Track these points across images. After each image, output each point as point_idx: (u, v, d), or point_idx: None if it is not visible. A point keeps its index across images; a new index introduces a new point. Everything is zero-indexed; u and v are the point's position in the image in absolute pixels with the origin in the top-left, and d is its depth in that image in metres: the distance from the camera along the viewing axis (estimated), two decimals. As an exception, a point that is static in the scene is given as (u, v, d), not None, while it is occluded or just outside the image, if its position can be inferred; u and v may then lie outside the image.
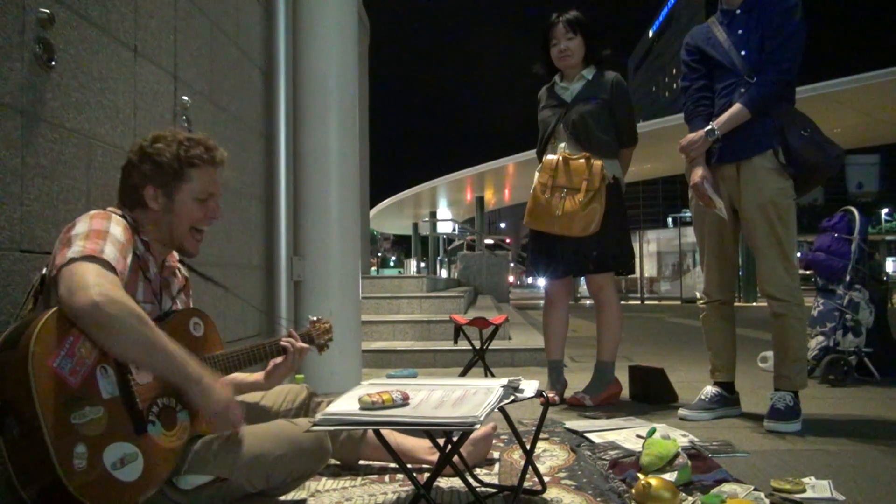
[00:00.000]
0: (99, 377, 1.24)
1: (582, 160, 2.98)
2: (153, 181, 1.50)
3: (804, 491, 1.72)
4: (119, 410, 1.25)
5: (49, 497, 1.15)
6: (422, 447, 1.94)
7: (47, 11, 1.46)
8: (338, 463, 1.96)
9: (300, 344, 1.79)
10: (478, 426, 1.37)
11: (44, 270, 1.38)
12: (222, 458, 1.38)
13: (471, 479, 1.74)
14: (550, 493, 1.74)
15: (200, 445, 1.40)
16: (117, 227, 1.40)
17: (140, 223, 1.51)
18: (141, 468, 1.25)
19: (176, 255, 1.68)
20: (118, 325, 1.23)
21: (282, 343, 1.76)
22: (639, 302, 17.10)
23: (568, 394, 3.15)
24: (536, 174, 3.10)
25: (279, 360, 1.77)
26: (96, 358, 1.24)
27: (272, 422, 1.57)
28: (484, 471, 1.97)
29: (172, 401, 1.37)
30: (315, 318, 1.90)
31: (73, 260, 1.27)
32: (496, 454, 2.14)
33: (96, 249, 1.30)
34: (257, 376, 1.80)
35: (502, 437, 2.34)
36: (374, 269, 33.60)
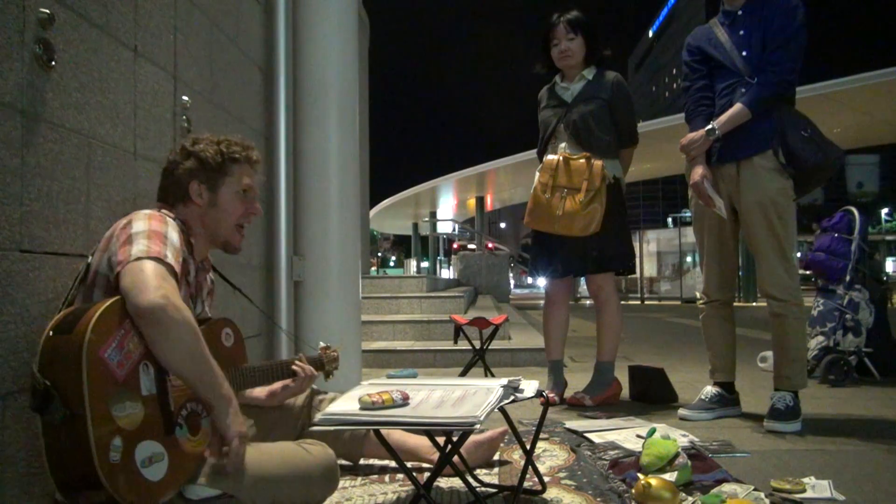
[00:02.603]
0: (141, 373, 1.26)
1: (582, 160, 2.98)
2: (198, 176, 1.58)
3: (804, 491, 1.72)
4: (154, 409, 1.27)
5: (79, 485, 1.16)
6: (425, 446, 1.94)
7: (47, 11, 1.46)
8: (341, 463, 1.96)
9: (310, 370, 1.80)
10: (478, 426, 1.37)
11: (89, 259, 1.43)
12: (232, 475, 1.38)
13: (471, 479, 1.74)
14: (550, 493, 1.74)
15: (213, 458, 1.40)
16: (174, 232, 1.45)
17: (187, 224, 1.57)
18: (166, 469, 1.26)
19: (210, 258, 1.72)
20: (175, 331, 1.27)
21: (293, 367, 1.77)
22: (639, 302, 17.10)
23: (568, 394, 3.15)
24: (537, 174, 3.10)
25: (288, 381, 1.78)
26: (141, 354, 1.27)
27: (285, 444, 1.56)
28: (484, 471, 1.97)
29: (199, 406, 1.37)
30: (324, 346, 1.93)
31: (139, 258, 1.31)
32: (496, 454, 2.14)
33: (161, 252, 1.35)
34: (258, 392, 1.80)
35: (502, 437, 2.34)
36: (374, 269, 33.57)
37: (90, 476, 1.14)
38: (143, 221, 1.42)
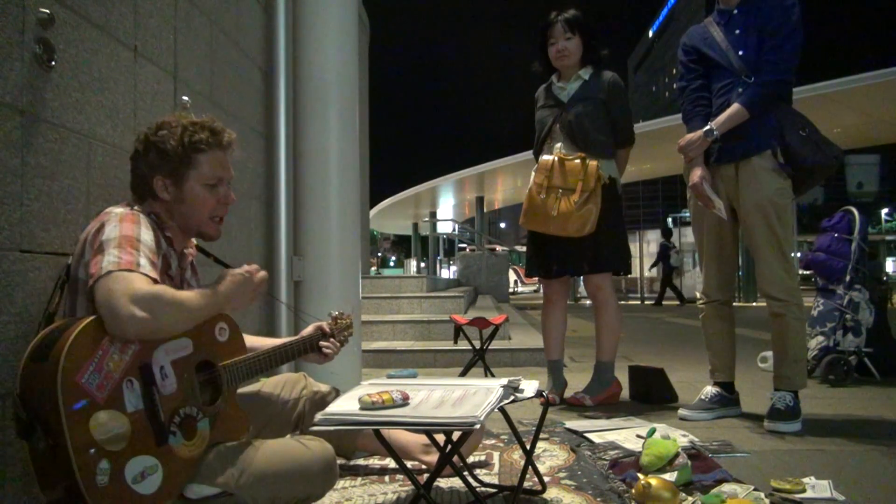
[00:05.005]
0: (125, 391, 1.24)
1: (577, 161, 2.97)
2: (160, 171, 1.50)
3: (804, 491, 1.72)
4: (142, 423, 1.26)
5: None
6: (415, 445, 1.93)
7: (47, 11, 1.46)
8: (340, 463, 1.95)
9: (337, 346, 1.84)
10: (478, 426, 1.37)
11: (69, 260, 1.41)
12: (230, 473, 1.38)
13: (471, 479, 1.74)
14: (550, 493, 1.74)
15: (212, 456, 1.40)
16: (147, 231, 1.41)
17: (160, 218, 1.52)
18: (160, 480, 1.25)
19: (194, 240, 1.68)
20: (159, 325, 1.28)
21: (323, 347, 1.81)
22: (639, 302, 17.09)
23: (568, 394, 3.15)
24: (532, 174, 3.10)
25: (327, 344, 1.82)
26: (123, 371, 1.25)
27: (283, 440, 1.56)
28: (484, 471, 1.97)
29: (194, 409, 1.37)
30: (336, 313, 1.90)
31: (109, 273, 1.28)
32: (496, 454, 2.14)
33: (132, 262, 1.31)
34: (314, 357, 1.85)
35: (502, 437, 2.34)
36: (373, 269, 33.56)
37: (79, 501, 1.14)
38: (115, 225, 1.37)
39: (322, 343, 1.81)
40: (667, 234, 14.52)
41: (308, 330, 1.84)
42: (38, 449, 1.16)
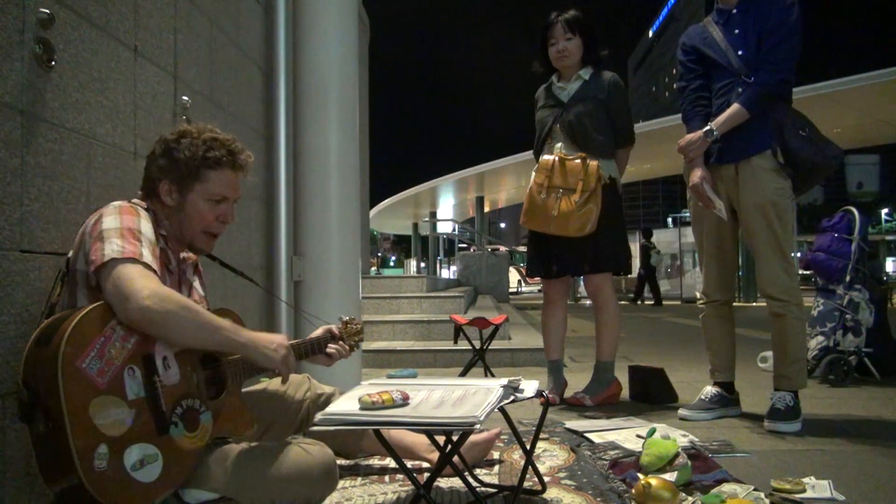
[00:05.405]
0: (126, 378, 1.25)
1: (578, 161, 2.97)
2: (169, 176, 1.53)
3: (804, 491, 1.72)
4: (143, 411, 1.27)
5: (69, 492, 1.17)
6: (422, 444, 1.94)
7: (47, 11, 1.46)
8: (340, 463, 1.95)
9: (346, 350, 1.84)
10: (478, 426, 1.37)
11: (69, 254, 1.43)
12: (231, 478, 1.38)
13: (471, 479, 1.74)
14: (550, 493, 1.74)
15: (210, 460, 1.40)
16: (147, 223, 1.44)
17: (157, 217, 1.54)
18: (160, 469, 1.26)
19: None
20: (173, 321, 1.29)
21: (329, 351, 1.80)
22: (639, 302, 17.08)
23: (568, 394, 3.15)
24: (533, 174, 3.10)
25: (324, 359, 1.80)
26: (125, 359, 1.26)
27: (283, 444, 1.55)
28: (484, 471, 1.97)
29: (196, 402, 1.38)
30: (347, 318, 1.90)
31: (114, 261, 1.30)
32: (496, 454, 2.14)
33: (136, 252, 1.34)
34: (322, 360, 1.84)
35: (502, 437, 2.33)
36: (373, 269, 33.56)
37: (77, 484, 1.15)
38: (114, 216, 1.40)
39: (330, 345, 1.81)
40: (647, 234, 14.87)
41: (318, 332, 1.84)
42: (38, 433, 1.18)
